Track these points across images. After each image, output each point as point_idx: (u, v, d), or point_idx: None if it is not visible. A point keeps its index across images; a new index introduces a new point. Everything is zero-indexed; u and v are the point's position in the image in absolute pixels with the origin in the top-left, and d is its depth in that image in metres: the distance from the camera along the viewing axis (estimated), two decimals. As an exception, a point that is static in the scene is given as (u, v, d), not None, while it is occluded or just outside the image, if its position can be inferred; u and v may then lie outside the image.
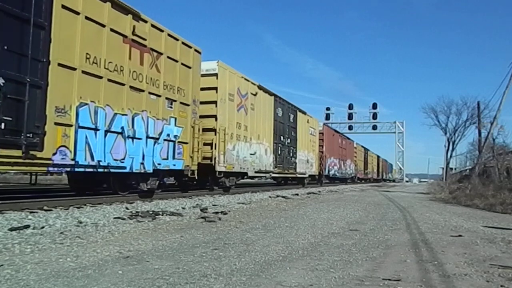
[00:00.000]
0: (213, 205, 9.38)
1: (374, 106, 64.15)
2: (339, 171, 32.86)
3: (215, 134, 12.61)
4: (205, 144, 12.13)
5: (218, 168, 12.66)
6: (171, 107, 10.19)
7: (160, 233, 5.29)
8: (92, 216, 6.40)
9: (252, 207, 9.50)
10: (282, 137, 18.97)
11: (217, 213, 7.70)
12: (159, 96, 9.71)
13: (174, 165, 10.31)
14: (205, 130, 12.13)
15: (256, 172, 15.90)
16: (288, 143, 19.89)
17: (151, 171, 9.35)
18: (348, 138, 39.63)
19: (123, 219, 6.35)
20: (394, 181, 73.64)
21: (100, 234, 5.00)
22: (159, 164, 9.67)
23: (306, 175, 23.45)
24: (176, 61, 10.38)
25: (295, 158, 21.09)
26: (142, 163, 9.07)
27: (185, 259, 3.81)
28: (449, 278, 3.41)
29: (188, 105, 10.92)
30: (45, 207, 7.06)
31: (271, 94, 17.67)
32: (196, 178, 11.35)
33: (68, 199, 8.42)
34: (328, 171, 28.85)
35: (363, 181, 46.54)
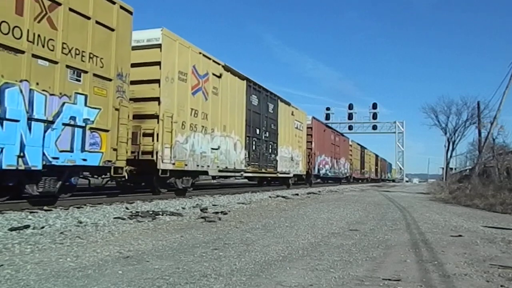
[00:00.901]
0: (213, 205, 9.39)
1: (374, 106, 64.18)
2: (332, 170, 29.67)
3: (158, 122, 9.89)
4: (145, 135, 9.82)
5: (162, 166, 9.84)
6: (78, 80, 7.35)
7: (160, 233, 5.29)
8: (92, 216, 6.40)
9: (252, 207, 9.50)
10: (257, 130, 16.04)
11: (217, 213, 7.70)
12: (55, 62, 6.90)
13: (85, 159, 7.44)
14: (144, 116, 9.88)
15: (221, 170, 12.96)
16: (266, 137, 16.91)
17: (40, 167, 6.62)
18: (342, 135, 36.58)
19: (123, 219, 6.35)
20: (394, 181, 73.59)
21: (100, 234, 5.00)
22: (55, 158, 6.89)
23: (291, 175, 20.47)
24: (88, 17, 7.57)
25: (276, 155, 18.09)
26: (21, 156, 6.28)
27: (185, 259, 3.81)
28: (449, 278, 3.41)
29: (109, 79, 8.05)
30: (45, 207, 7.06)
31: (242, 77, 14.69)
32: (126, 177, 8.71)
33: (68, 199, 8.41)
34: (318, 170, 25.77)
35: (359, 181, 44.34)
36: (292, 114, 20.48)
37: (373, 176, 54.56)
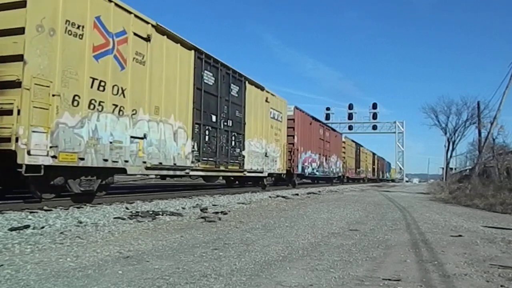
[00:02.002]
0: (213, 205, 9.39)
1: (374, 106, 64.34)
2: (320, 169, 25.98)
3: (22, 93, 6.46)
4: (2, 113, 6.54)
5: (27, 159, 6.43)
6: None
7: (160, 233, 5.29)
8: (92, 216, 6.40)
9: (252, 207, 9.50)
10: (214, 117, 12.42)
11: (217, 213, 7.70)
12: None
13: None
14: (1, 85, 6.58)
15: (150, 168, 9.38)
16: (227, 126, 13.22)
17: None
18: (334, 130, 32.53)
19: (123, 219, 6.35)
20: (393, 181, 73.58)
21: (100, 234, 5.00)
22: None
23: (264, 174, 16.75)
24: None
25: (242, 149, 14.37)
26: None
27: (185, 259, 3.82)
28: (449, 278, 3.41)
29: None
30: (45, 207, 7.05)
31: (189, 46, 11.04)
32: None
33: (68, 199, 8.41)
34: (303, 169, 22.16)
35: (355, 181, 41.23)
36: (267, 101, 16.80)
37: (370, 176, 51.40)
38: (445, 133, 41.95)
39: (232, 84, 13.70)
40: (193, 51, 11.25)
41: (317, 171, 25.26)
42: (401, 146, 70.06)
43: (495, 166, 20.25)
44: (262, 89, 16.32)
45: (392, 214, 8.91)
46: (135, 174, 9.92)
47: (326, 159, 27.62)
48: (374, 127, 64.58)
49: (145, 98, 9.31)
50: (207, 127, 12.14)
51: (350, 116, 63.22)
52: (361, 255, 4.27)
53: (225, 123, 13.22)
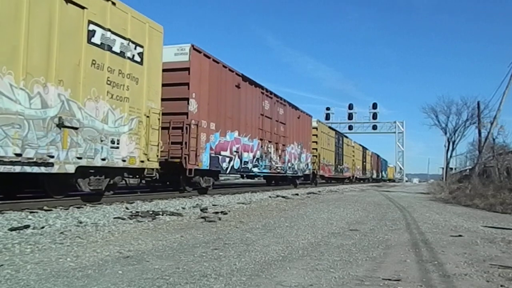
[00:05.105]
0: (213, 205, 9.39)
1: (374, 106, 64.36)
2: (263, 164, 16.51)
3: None
4: None
5: None
6: None
7: (160, 233, 5.29)
8: (92, 216, 6.40)
9: (252, 207, 9.50)
10: None
11: (217, 213, 7.70)
12: None
13: None
14: None
15: None
16: None
17: None
18: (297, 108, 21.27)
19: (123, 219, 6.35)
20: (393, 181, 73.50)
21: (100, 234, 5.00)
22: None
23: (59, 168, 6.88)
24: None
25: None
26: None
27: (185, 259, 3.82)
28: (449, 278, 3.41)
29: None
30: (45, 207, 7.05)
31: None
32: None
33: (68, 199, 8.41)
34: (216, 161, 12.66)
35: (339, 181, 32.95)
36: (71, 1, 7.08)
37: (359, 175, 42.01)
38: (445, 133, 41.88)
39: None
40: None
41: (255, 166, 15.74)
42: (401, 146, 70.13)
43: (495, 166, 20.24)
44: None
45: (392, 214, 8.91)
46: None
47: (277, 149, 18.17)
48: (374, 127, 64.62)
49: None
50: None
51: (350, 116, 63.25)
52: (361, 255, 4.27)
53: None
